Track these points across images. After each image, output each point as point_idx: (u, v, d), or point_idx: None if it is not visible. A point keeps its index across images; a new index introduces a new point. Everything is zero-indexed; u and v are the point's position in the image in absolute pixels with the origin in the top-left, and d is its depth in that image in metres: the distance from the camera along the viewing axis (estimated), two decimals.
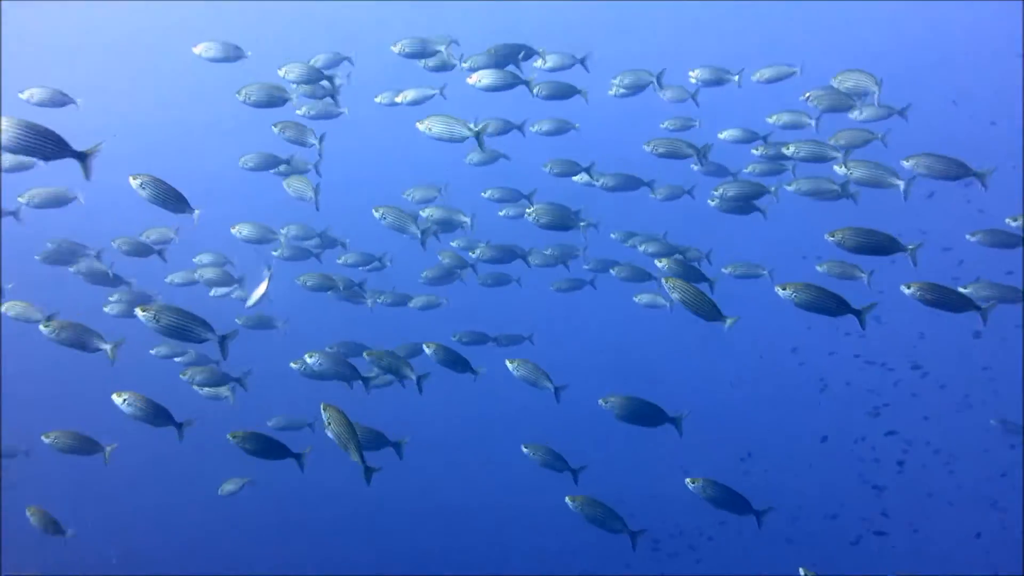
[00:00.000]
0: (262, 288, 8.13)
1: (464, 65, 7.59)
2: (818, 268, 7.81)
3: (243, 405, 8.49)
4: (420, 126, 7.01)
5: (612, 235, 9.49)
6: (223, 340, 5.61)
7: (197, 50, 7.68)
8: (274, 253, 8.81)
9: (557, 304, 14.07)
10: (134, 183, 5.60)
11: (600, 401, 6.10)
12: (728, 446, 17.68)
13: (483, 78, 7.50)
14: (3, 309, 7.75)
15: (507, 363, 6.81)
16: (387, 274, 9.82)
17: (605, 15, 28.17)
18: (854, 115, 8.08)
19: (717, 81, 8.74)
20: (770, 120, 8.55)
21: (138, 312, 5.25)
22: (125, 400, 5.76)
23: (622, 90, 8.75)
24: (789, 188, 7.97)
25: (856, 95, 7.81)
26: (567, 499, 6.00)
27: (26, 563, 12.60)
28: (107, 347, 6.15)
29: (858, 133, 7.97)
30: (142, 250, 8.69)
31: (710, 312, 5.67)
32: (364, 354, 7.23)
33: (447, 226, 8.85)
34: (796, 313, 5.97)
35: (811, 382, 19.76)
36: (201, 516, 16.33)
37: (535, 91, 8.05)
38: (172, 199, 5.68)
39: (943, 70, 25.71)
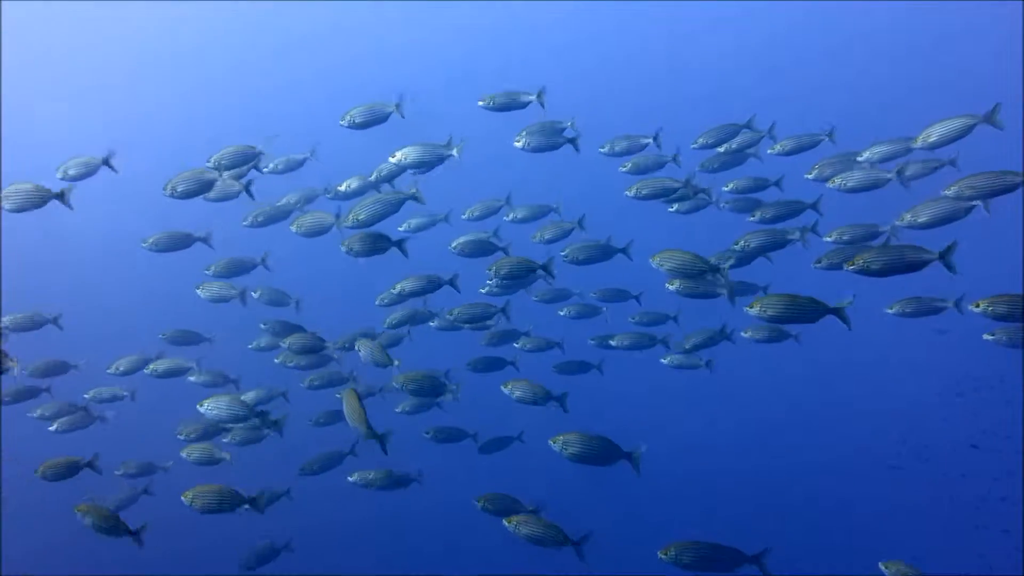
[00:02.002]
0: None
1: (392, 159, 6.69)
2: (888, 311, 6.57)
3: None
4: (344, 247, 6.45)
5: (631, 317, 8.83)
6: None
7: (58, 174, 6.85)
8: (262, 326, 8.17)
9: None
10: None
11: (550, 442, 5.29)
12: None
13: (407, 155, 6.71)
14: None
15: (503, 387, 6.64)
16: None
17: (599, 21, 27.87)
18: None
19: (728, 136, 7.97)
20: (772, 151, 7.82)
21: None
22: None
23: (628, 167, 7.89)
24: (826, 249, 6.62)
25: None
26: (504, 522, 5.34)
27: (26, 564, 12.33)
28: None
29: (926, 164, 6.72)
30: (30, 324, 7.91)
31: (703, 271, 5.02)
32: (393, 380, 6.75)
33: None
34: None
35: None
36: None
37: (521, 143, 7.29)
38: (34, 200, 5.84)
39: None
